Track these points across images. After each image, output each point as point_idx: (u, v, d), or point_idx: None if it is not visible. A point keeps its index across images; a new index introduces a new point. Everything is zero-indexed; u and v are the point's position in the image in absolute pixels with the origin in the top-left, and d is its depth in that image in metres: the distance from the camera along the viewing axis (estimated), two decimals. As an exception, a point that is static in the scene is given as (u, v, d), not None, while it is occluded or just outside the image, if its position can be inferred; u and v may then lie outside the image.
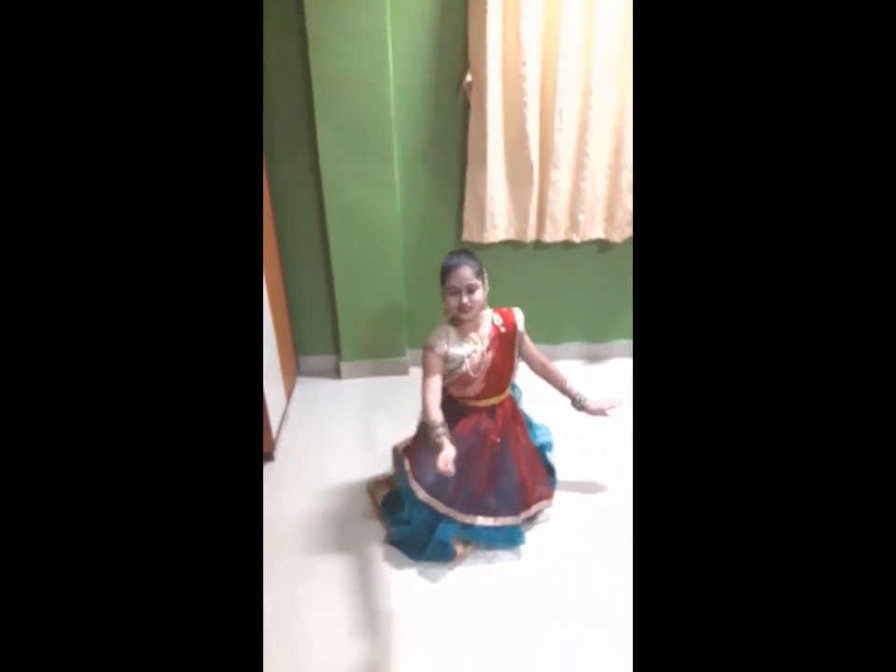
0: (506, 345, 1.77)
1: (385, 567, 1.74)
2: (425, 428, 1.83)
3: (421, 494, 1.76)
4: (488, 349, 1.74)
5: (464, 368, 1.72)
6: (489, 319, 1.76)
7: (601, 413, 1.92)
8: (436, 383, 1.71)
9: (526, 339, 1.83)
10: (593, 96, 2.15)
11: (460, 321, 1.73)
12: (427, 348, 1.73)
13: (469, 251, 1.72)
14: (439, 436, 1.61)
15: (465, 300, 1.66)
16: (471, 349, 1.73)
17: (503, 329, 1.76)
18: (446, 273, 1.68)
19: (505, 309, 1.81)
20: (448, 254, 1.72)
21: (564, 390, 1.92)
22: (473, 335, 1.73)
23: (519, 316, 1.80)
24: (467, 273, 1.65)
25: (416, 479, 1.78)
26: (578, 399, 1.90)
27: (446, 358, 1.72)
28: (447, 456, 1.54)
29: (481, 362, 1.74)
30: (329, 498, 1.99)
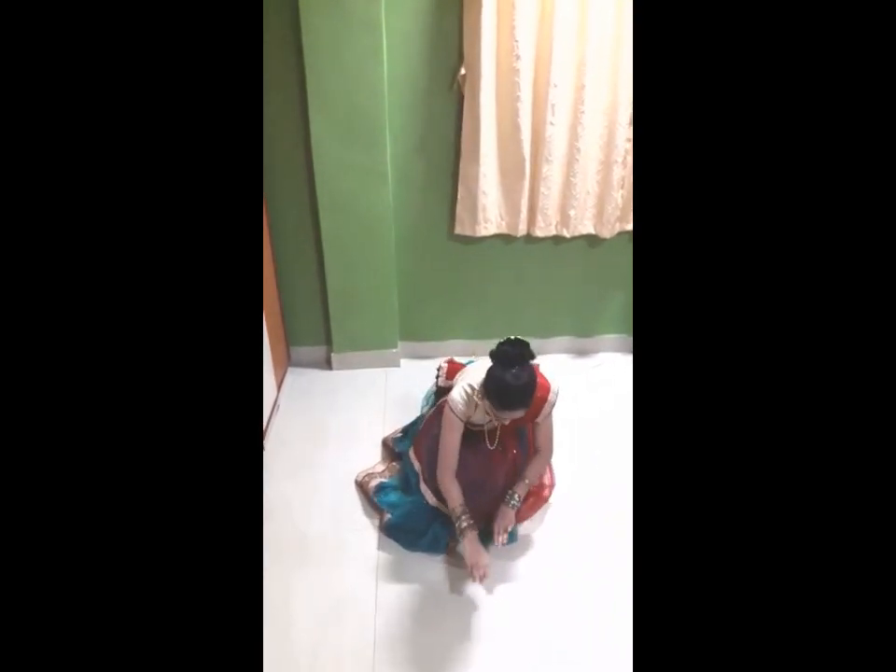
0: (520, 420, 1.67)
1: (374, 555, 1.77)
2: (431, 425, 1.82)
3: (430, 499, 1.78)
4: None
5: (483, 434, 1.69)
6: None
7: (498, 532, 1.69)
8: (453, 451, 1.64)
9: (549, 421, 1.71)
10: (585, 91, 2.16)
11: None
12: (451, 409, 1.62)
13: (526, 351, 1.50)
14: (462, 529, 1.58)
15: (505, 422, 1.59)
16: (493, 424, 1.67)
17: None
18: (499, 404, 1.49)
19: (544, 378, 1.65)
20: (501, 354, 1.49)
21: (517, 478, 1.76)
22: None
23: (552, 396, 1.66)
24: (520, 413, 1.52)
25: (426, 482, 1.79)
26: (513, 499, 1.72)
27: (467, 422, 1.65)
28: (483, 570, 1.53)
29: (496, 433, 1.71)
30: (319, 488, 2.01)
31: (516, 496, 1.72)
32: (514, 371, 1.47)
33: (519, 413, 1.53)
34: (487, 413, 1.63)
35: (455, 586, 1.68)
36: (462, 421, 1.63)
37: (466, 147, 2.26)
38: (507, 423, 1.62)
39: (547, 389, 1.66)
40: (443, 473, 1.66)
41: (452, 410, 1.62)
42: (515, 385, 1.46)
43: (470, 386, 1.62)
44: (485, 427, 1.71)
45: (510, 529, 1.70)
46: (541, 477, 1.89)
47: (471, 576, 1.57)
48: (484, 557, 1.58)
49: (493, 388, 1.50)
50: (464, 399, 1.62)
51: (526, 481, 1.75)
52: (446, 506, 1.73)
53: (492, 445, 1.71)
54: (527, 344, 1.51)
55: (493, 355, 1.52)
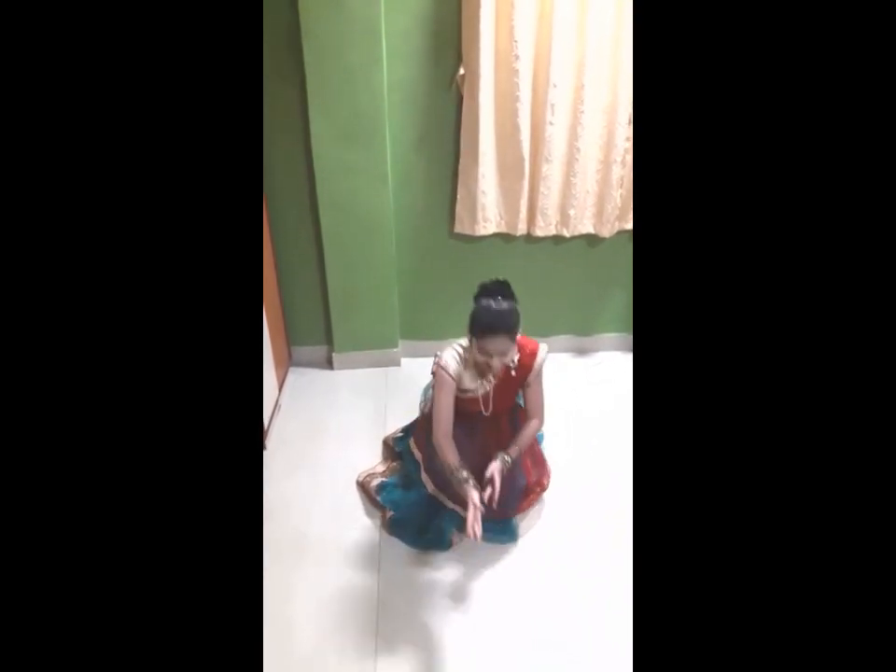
0: (511, 382, 1.70)
1: (377, 554, 1.77)
2: (429, 414, 1.83)
3: (430, 488, 1.80)
4: (493, 384, 1.70)
5: (478, 402, 1.71)
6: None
7: (491, 484, 1.62)
8: (447, 412, 1.65)
9: (539, 380, 1.74)
10: (584, 91, 2.16)
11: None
12: (442, 368, 1.64)
13: (506, 289, 1.57)
14: (460, 482, 1.59)
15: (494, 362, 1.57)
16: (485, 387, 1.70)
17: (514, 373, 1.66)
18: (481, 330, 1.54)
19: (530, 340, 1.70)
20: (482, 289, 1.57)
21: (507, 443, 1.75)
22: (490, 373, 1.67)
23: (541, 354, 1.70)
24: (504, 343, 1.53)
25: (427, 471, 1.80)
26: (502, 459, 1.67)
27: (458, 385, 1.68)
28: (478, 510, 1.51)
29: (489, 398, 1.73)
30: (320, 488, 2.01)
31: (506, 456, 1.67)
32: (496, 299, 1.54)
33: (504, 343, 1.54)
34: (476, 367, 1.66)
35: (457, 585, 1.68)
36: (453, 380, 1.65)
37: (465, 147, 2.26)
38: (494, 361, 1.55)
39: (536, 346, 1.72)
40: (438, 433, 1.67)
41: (443, 369, 1.65)
42: (497, 308, 1.53)
43: (460, 345, 1.69)
44: (479, 393, 1.71)
45: (497, 484, 1.59)
46: (540, 475, 1.91)
47: (480, 504, 1.53)
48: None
49: (476, 317, 1.56)
50: (454, 358, 1.67)
51: (517, 446, 1.74)
52: (446, 494, 1.75)
53: (486, 411, 1.72)
54: (508, 284, 1.59)
55: (476, 296, 1.59)
